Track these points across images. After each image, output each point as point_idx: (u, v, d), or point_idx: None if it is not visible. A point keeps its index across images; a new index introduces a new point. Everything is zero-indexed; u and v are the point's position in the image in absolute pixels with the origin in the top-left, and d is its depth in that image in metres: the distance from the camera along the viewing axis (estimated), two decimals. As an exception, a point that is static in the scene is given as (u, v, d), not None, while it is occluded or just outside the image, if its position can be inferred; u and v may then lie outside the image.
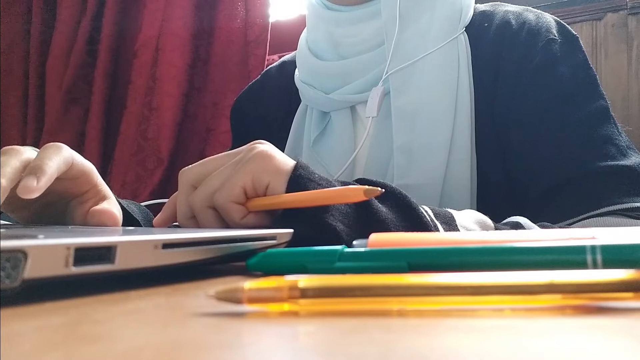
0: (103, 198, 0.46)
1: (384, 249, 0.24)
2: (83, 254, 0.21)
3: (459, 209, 0.43)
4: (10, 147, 0.41)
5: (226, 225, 0.40)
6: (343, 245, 0.25)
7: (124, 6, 1.51)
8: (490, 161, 0.60)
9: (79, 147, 1.46)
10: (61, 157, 0.40)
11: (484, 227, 0.42)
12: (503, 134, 0.60)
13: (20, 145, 0.42)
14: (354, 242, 0.28)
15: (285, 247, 0.33)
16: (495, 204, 0.57)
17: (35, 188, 0.36)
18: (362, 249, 0.25)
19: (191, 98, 1.42)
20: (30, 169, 0.37)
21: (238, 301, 0.18)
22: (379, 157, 0.63)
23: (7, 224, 0.46)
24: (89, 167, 0.45)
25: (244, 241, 0.30)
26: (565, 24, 0.64)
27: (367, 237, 0.27)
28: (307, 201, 0.37)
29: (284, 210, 0.40)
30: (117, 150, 1.45)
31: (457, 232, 0.40)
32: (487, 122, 0.61)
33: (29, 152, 0.41)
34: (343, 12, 0.68)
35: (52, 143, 0.41)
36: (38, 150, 0.42)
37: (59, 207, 0.46)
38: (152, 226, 0.47)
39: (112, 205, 0.46)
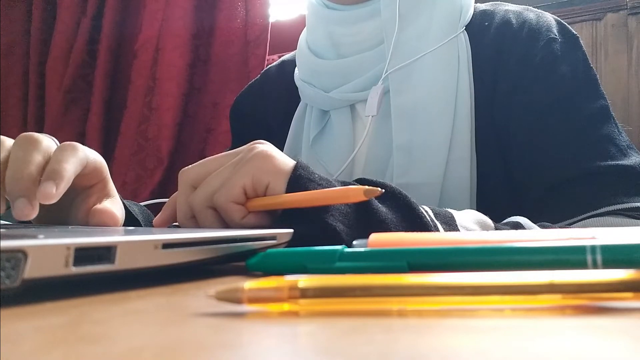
0: (107, 195, 0.46)
1: (384, 249, 0.24)
2: (83, 254, 0.21)
3: (459, 209, 0.43)
4: (27, 136, 0.41)
5: (226, 226, 0.40)
6: (343, 245, 0.25)
7: (124, 6, 1.51)
8: (490, 160, 0.60)
9: (79, 147, 1.46)
10: (77, 159, 0.41)
11: (484, 227, 0.42)
12: (503, 133, 0.60)
13: None
14: (354, 242, 0.28)
15: (285, 247, 0.33)
16: (495, 204, 0.57)
17: (54, 194, 0.37)
18: (362, 249, 0.25)
19: (191, 98, 1.42)
20: (49, 174, 0.38)
21: (238, 301, 0.18)
22: (379, 156, 0.63)
23: (7, 224, 0.45)
24: (100, 162, 0.45)
25: (244, 241, 0.30)
26: (565, 23, 0.64)
27: (367, 237, 0.27)
28: (307, 201, 0.37)
29: (284, 211, 0.40)
30: (117, 150, 1.45)
31: (457, 232, 0.40)
32: (487, 122, 0.61)
33: (46, 141, 0.41)
34: (343, 11, 0.68)
35: (67, 143, 0.42)
36: (53, 138, 0.43)
37: (63, 200, 0.46)
38: (152, 226, 0.47)
39: (114, 204, 0.46)
